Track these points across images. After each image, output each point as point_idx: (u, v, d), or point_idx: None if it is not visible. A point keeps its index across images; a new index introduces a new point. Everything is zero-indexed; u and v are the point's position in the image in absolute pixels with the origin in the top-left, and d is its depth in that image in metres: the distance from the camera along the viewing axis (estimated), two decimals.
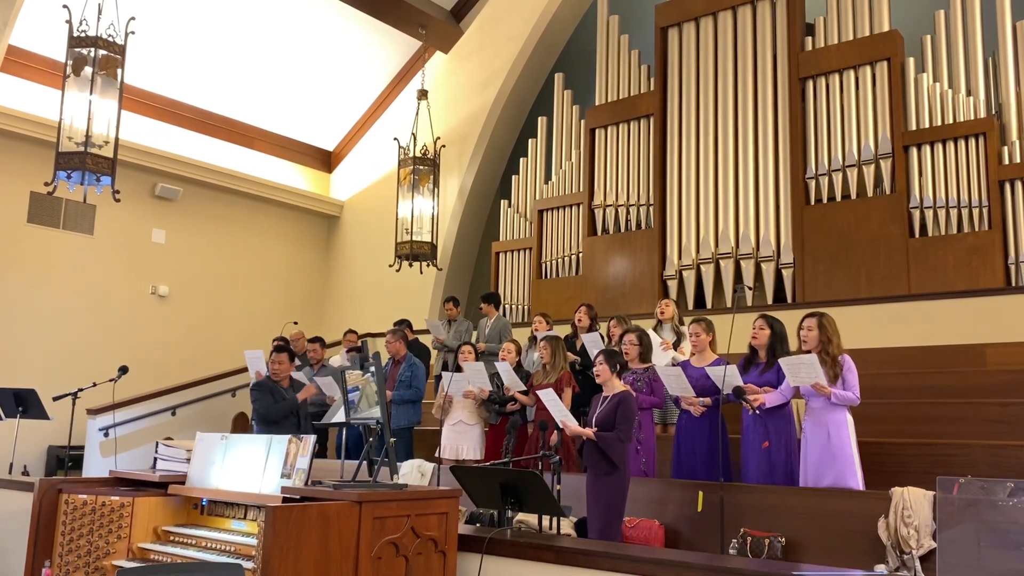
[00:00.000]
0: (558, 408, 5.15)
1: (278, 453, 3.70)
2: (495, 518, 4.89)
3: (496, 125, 11.49)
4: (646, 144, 9.80)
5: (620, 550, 3.44)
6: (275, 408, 6.59)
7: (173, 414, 9.22)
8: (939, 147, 7.91)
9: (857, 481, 4.96)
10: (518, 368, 6.86)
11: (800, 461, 5.16)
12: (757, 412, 5.21)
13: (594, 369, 5.19)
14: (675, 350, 6.62)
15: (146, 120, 10.59)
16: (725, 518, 4.86)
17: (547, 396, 5.26)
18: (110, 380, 7.60)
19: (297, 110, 12.05)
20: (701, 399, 5.62)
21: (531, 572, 3.50)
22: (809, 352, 5.07)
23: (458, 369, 7.09)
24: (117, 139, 6.83)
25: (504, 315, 10.48)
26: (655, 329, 6.86)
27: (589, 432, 4.91)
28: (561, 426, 5.22)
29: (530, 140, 11.11)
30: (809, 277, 8.39)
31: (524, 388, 6.59)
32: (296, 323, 10.10)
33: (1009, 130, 7.71)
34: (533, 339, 7.63)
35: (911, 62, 8.24)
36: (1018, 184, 7.50)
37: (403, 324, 8.67)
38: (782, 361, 5.06)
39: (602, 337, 6.90)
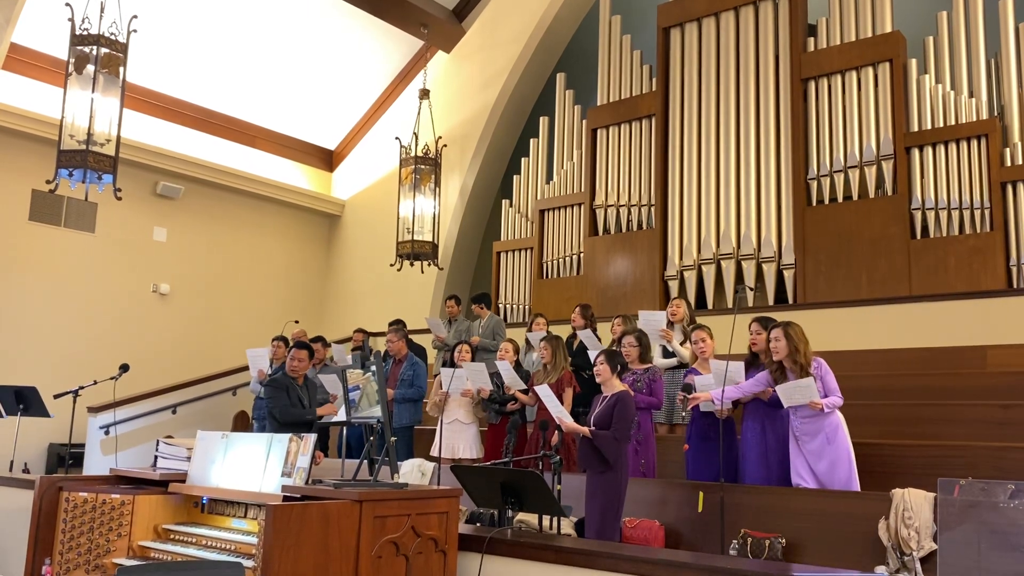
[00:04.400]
0: (554, 404, 5.17)
1: (279, 452, 3.70)
2: (495, 518, 4.90)
3: (498, 125, 11.48)
4: (648, 144, 9.79)
5: (620, 550, 3.45)
6: (292, 412, 6.38)
7: (174, 412, 9.24)
8: (941, 148, 7.90)
9: (856, 481, 5.01)
10: (517, 367, 6.86)
11: (792, 463, 5.16)
12: (685, 411, 5.51)
13: (595, 369, 5.20)
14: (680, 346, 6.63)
15: (148, 118, 10.59)
16: (726, 519, 4.86)
17: (543, 392, 5.28)
18: (111, 378, 7.62)
19: (299, 109, 12.06)
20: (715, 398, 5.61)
21: (531, 572, 3.50)
22: (778, 360, 5.17)
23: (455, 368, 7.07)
24: (119, 137, 6.84)
25: (504, 315, 10.50)
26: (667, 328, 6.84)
27: (585, 429, 4.94)
28: (557, 422, 5.24)
29: (531, 140, 11.11)
30: (810, 278, 8.38)
31: (524, 387, 6.59)
32: (297, 322, 10.12)
33: (1011, 132, 7.70)
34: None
35: (913, 63, 8.23)
36: (1020, 186, 7.49)
37: (399, 324, 8.60)
38: (779, 388, 5.10)
39: (598, 336, 6.93)
